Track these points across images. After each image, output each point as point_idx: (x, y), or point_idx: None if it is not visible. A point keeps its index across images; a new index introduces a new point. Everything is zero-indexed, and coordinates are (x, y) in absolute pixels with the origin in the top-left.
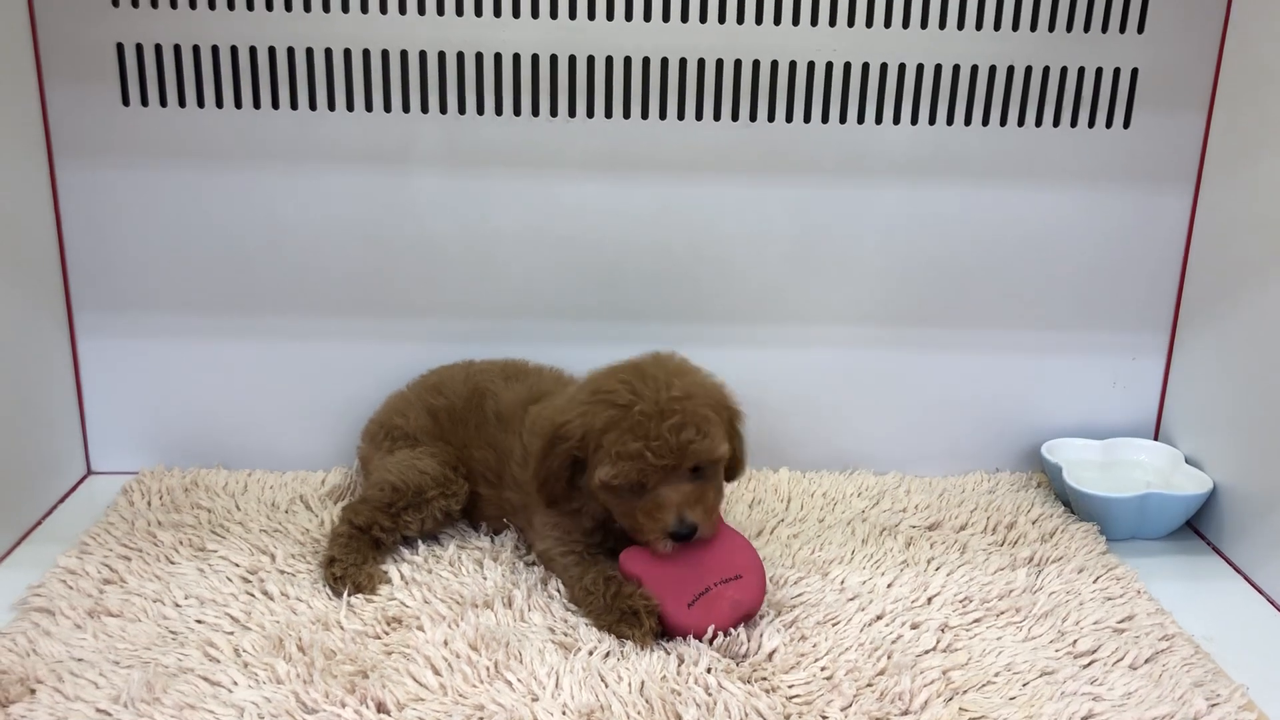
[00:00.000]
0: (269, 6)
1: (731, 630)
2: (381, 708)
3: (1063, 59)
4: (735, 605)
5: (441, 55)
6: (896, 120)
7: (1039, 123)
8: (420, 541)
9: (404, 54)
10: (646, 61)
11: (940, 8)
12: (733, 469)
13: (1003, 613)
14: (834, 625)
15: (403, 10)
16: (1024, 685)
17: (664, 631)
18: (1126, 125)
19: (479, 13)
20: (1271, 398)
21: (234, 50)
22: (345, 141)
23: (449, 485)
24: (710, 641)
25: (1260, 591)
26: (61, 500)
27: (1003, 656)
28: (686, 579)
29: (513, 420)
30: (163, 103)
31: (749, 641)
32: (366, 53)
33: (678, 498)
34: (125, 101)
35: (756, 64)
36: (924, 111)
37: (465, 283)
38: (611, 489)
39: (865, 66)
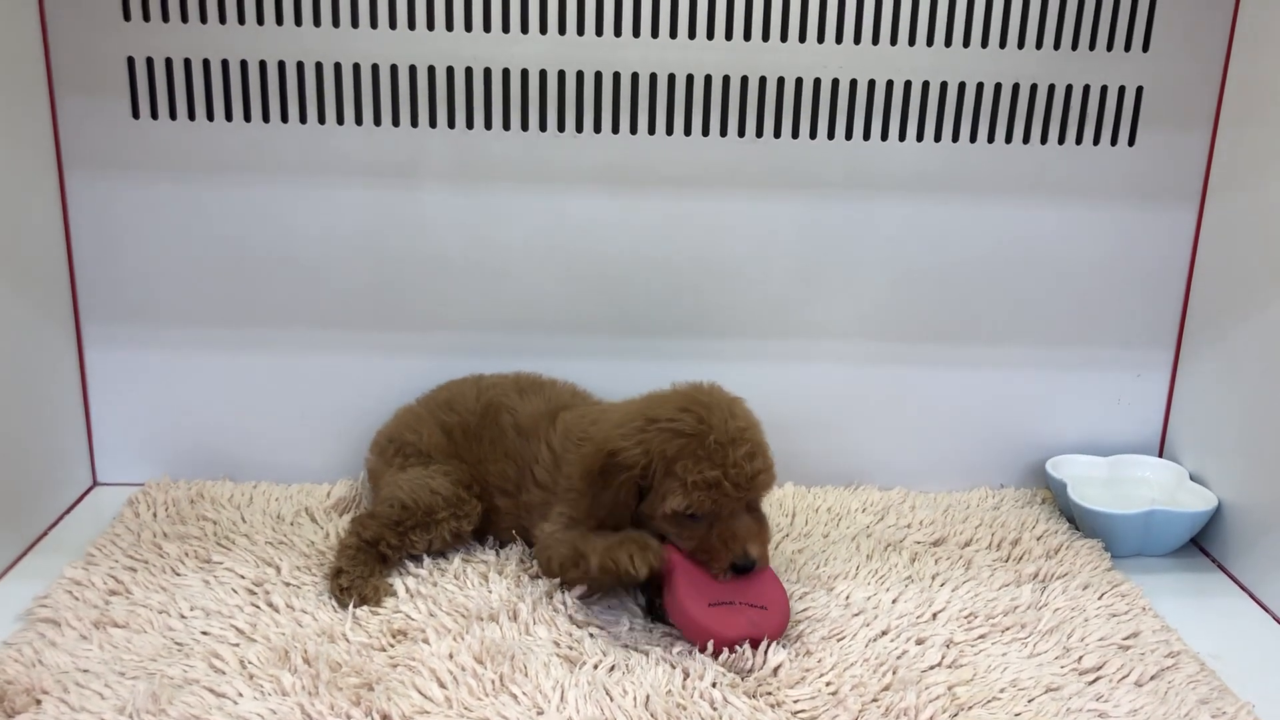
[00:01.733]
0: (279, 21)
1: (737, 646)
2: None
3: (1068, 77)
4: (753, 624)
5: (450, 70)
6: (903, 137)
7: (1044, 140)
8: (426, 555)
9: (413, 69)
10: (654, 77)
11: (947, 26)
12: None
13: (1008, 629)
14: (839, 640)
15: (412, 26)
16: (1029, 701)
17: (675, 625)
18: (1131, 143)
19: (488, 29)
20: (1276, 415)
21: (244, 64)
22: (354, 155)
23: (461, 506)
24: (716, 656)
25: (1265, 609)
26: (67, 511)
27: (1008, 673)
28: (717, 586)
29: (534, 430)
30: (172, 116)
31: (754, 657)
32: (376, 68)
33: (744, 532)
34: (135, 114)
35: (764, 80)
36: (930, 128)
37: (472, 296)
38: (680, 517)
39: (872, 83)
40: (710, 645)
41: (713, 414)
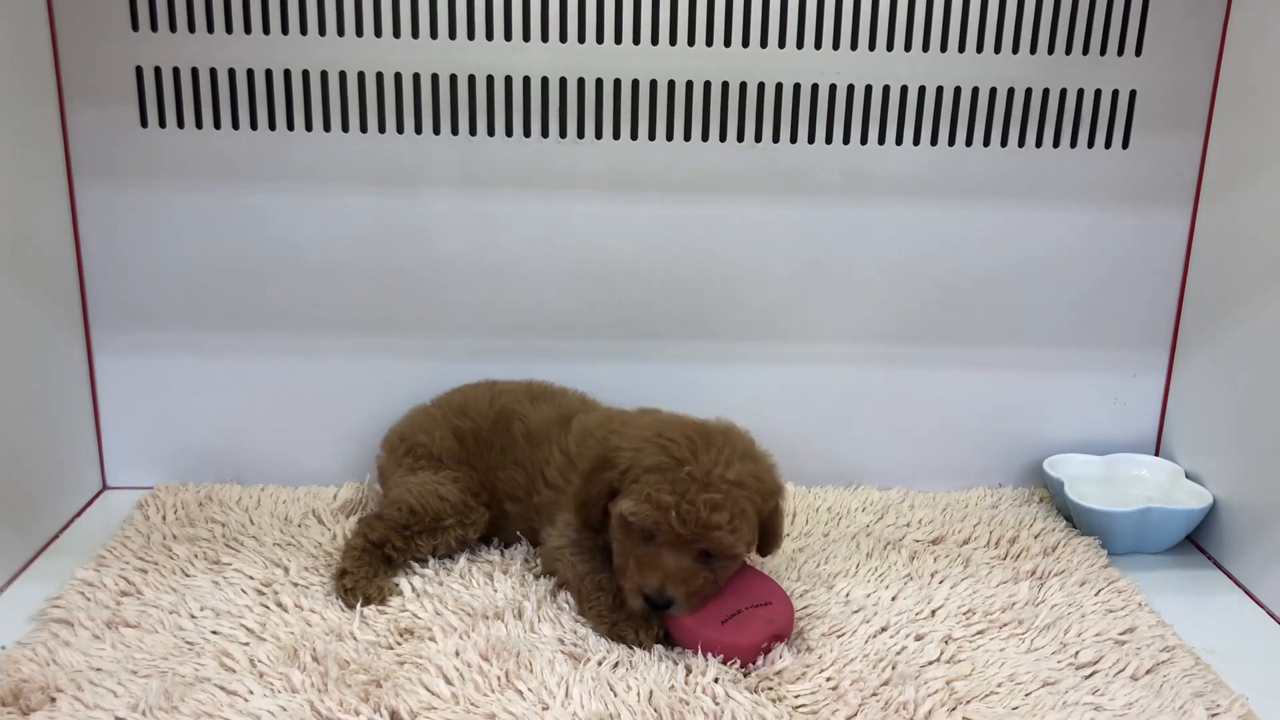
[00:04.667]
0: (284, 30)
1: (768, 653)
2: (395, 716)
3: (1062, 81)
4: (768, 623)
5: (454, 78)
6: (899, 141)
7: (1039, 143)
8: (431, 557)
9: (417, 77)
10: (654, 84)
11: (942, 31)
12: (767, 544)
13: (1006, 625)
14: (839, 637)
15: (415, 34)
16: (1026, 695)
17: (694, 649)
18: (1125, 146)
19: (490, 37)
20: (1270, 413)
21: (250, 73)
22: (359, 162)
23: (468, 514)
24: (744, 666)
25: (1260, 604)
26: (78, 515)
27: (1006, 667)
28: (718, 603)
29: (545, 436)
30: (180, 124)
31: (776, 658)
32: (380, 76)
33: (671, 568)
34: (144, 123)
35: (762, 86)
36: (926, 133)
37: (476, 301)
38: (625, 523)
39: (869, 89)
40: (738, 659)
41: (708, 453)
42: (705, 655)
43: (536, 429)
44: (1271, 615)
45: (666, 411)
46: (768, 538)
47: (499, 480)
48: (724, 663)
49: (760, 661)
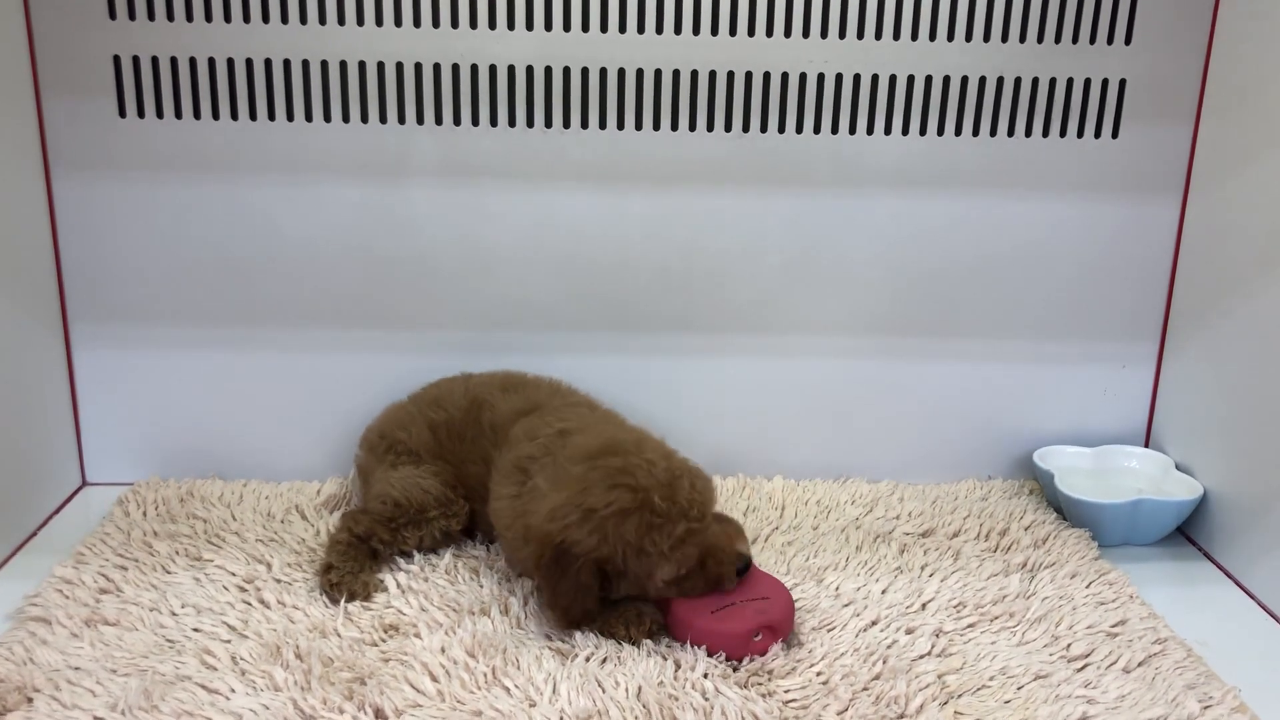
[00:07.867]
0: (265, 19)
1: (754, 640)
2: (380, 714)
3: (1052, 70)
4: (759, 613)
5: (436, 67)
6: (889, 131)
7: (1029, 133)
8: (416, 551)
9: (399, 66)
10: (640, 73)
11: (931, 20)
12: None
13: (997, 618)
14: (829, 631)
15: (398, 23)
16: (1019, 689)
17: (686, 640)
18: (1115, 135)
19: (474, 25)
20: (1259, 404)
21: (230, 62)
22: (341, 153)
23: (450, 505)
24: (737, 658)
25: (1250, 595)
26: (56, 511)
27: (997, 660)
28: (711, 598)
29: (503, 430)
30: (159, 114)
31: (773, 653)
32: (362, 65)
33: (724, 540)
34: (121, 113)
35: (749, 76)
36: (915, 122)
37: (460, 294)
38: (680, 578)
39: (857, 78)
40: (727, 650)
41: (640, 472)
42: (694, 648)
43: (501, 420)
44: (1262, 606)
45: (571, 431)
46: None
47: (469, 475)
48: (710, 653)
49: (751, 655)
